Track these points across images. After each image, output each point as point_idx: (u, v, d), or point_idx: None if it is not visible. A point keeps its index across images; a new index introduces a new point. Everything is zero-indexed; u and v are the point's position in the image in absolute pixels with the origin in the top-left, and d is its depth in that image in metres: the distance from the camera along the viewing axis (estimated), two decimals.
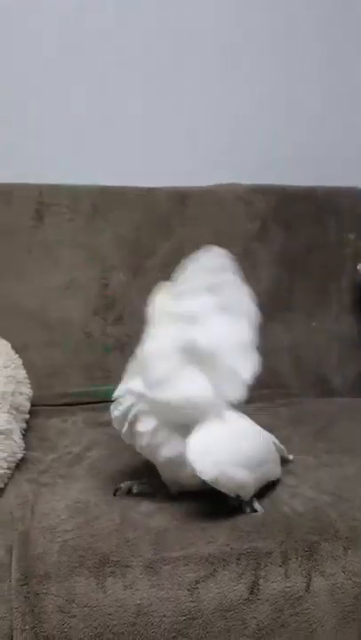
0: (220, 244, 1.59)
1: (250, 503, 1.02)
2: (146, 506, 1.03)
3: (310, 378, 1.56)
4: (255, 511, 1.01)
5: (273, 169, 1.67)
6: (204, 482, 0.96)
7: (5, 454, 1.14)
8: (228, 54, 1.73)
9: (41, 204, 1.54)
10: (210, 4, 1.70)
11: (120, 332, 1.53)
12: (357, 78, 1.79)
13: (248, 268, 1.60)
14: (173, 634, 0.89)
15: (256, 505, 1.03)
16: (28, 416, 1.33)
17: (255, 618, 0.91)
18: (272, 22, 1.74)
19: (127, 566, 0.91)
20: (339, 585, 0.94)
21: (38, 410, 1.41)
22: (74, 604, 0.88)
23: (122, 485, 1.08)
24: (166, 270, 1.57)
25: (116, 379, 1.52)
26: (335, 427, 1.36)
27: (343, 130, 1.78)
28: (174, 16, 1.68)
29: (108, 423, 1.36)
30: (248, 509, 1.02)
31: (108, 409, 1.43)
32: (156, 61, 1.70)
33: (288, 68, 1.76)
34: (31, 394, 1.36)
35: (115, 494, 1.07)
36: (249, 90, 1.75)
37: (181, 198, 1.60)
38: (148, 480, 1.08)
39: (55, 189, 1.56)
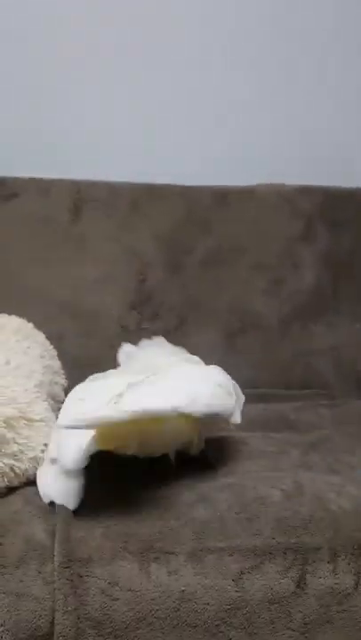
0: (261, 244, 1.63)
1: None
2: (187, 495, 1.01)
3: (353, 380, 1.54)
4: None
5: (317, 170, 1.66)
6: None
7: (46, 441, 1.13)
8: (275, 47, 1.72)
9: (78, 199, 1.55)
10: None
11: (157, 328, 1.51)
12: None
13: (290, 267, 1.64)
14: (217, 622, 0.87)
15: None
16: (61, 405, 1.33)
17: (301, 612, 0.89)
18: (327, 20, 1.73)
19: (171, 553, 0.89)
20: None
21: None
22: (117, 588, 0.86)
23: None
24: (205, 268, 1.61)
25: None
26: None
27: None
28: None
29: None
30: None
31: None
32: (202, 58, 1.70)
33: (336, 63, 1.74)
34: (66, 384, 1.36)
35: None
36: (294, 89, 1.74)
37: (222, 197, 1.59)
38: None
39: (93, 185, 1.56)
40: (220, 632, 0.88)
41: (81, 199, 1.54)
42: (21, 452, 1.00)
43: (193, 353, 1.56)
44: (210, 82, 1.71)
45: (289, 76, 1.74)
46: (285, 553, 0.91)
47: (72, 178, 1.56)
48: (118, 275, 1.53)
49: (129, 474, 1.08)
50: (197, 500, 0.99)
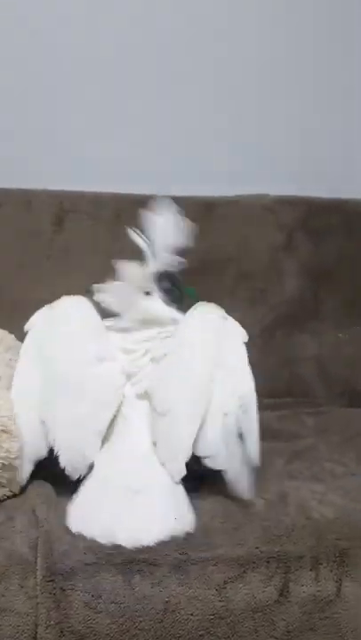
0: (246, 254, 1.64)
1: None
2: None
3: (337, 388, 1.55)
4: None
5: (300, 181, 1.67)
6: None
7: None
8: (260, 61, 1.73)
9: (61, 210, 1.55)
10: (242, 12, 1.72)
11: None
12: None
13: (274, 277, 1.65)
14: (201, 632, 0.88)
15: None
16: None
17: (284, 620, 0.90)
18: (302, 31, 1.74)
19: (155, 565, 0.90)
20: None
21: None
22: (100, 600, 0.86)
23: None
24: (189, 278, 1.61)
25: None
26: None
27: None
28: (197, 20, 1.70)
29: None
30: None
31: None
32: (183, 71, 1.70)
33: (322, 77, 1.76)
34: None
35: None
36: (277, 102, 1.75)
37: (207, 207, 1.60)
38: None
39: (76, 196, 1.56)
40: None
41: (64, 210, 1.54)
42: (4, 465, 1.00)
43: None
44: (195, 94, 1.72)
45: (273, 90, 1.75)
46: (268, 562, 0.92)
47: (55, 189, 1.56)
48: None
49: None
50: None
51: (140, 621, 0.87)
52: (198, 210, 1.58)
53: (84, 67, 1.65)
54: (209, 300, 1.60)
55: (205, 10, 1.69)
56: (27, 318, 1.46)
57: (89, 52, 1.65)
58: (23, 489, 1.06)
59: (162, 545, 0.92)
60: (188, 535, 0.94)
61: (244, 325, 1.61)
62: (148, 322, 1.17)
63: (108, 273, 1.56)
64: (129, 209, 1.58)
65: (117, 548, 0.90)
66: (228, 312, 1.59)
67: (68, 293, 1.52)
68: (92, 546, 0.91)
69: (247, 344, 1.51)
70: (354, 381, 1.57)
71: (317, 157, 1.75)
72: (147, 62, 1.68)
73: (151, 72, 1.68)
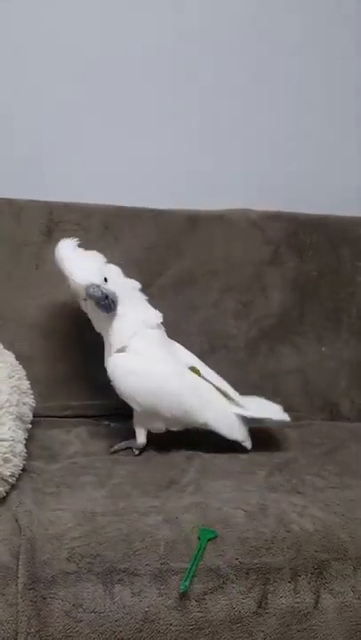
0: (231, 267, 1.66)
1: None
2: (153, 517, 1.02)
3: (319, 401, 1.57)
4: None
5: (285, 197, 1.70)
6: None
7: (10, 462, 1.13)
8: (244, 79, 1.75)
9: (51, 221, 1.56)
10: (226, 27, 1.74)
11: None
12: None
13: (258, 290, 1.67)
14: None
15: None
16: (30, 426, 1.33)
17: (262, 631, 0.91)
18: (284, 50, 1.77)
19: (135, 574, 0.90)
20: (348, 603, 0.94)
21: (40, 420, 1.41)
22: (80, 609, 0.87)
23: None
24: (174, 290, 1.63)
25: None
26: (344, 450, 1.36)
27: (358, 161, 1.83)
28: (187, 38, 1.71)
29: (111, 436, 1.38)
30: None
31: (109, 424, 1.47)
32: (172, 84, 1.72)
33: (302, 96, 1.79)
34: (34, 404, 1.36)
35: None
36: (264, 116, 1.77)
37: (193, 221, 1.62)
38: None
39: (66, 207, 1.57)
40: None
41: (53, 220, 1.55)
42: None
43: None
44: (182, 110, 1.74)
45: (258, 107, 1.77)
46: (248, 573, 0.93)
47: (45, 199, 1.57)
48: None
49: (95, 497, 1.09)
50: (163, 522, 1.00)
51: (120, 631, 0.87)
52: (184, 224, 1.62)
53: (74, 78, 1.66)
54: (194, 313, 1.62)
55: (189, 32, 1.72)
56: (14, 327, 1.48)
57: (79, 65, 1.66)
58: (4, 497, 1.07)
59: (142, 555, 0.93)
60: (169, 545, 0.95)
61: (228, 338, 1.64)
62: None
63: None
64: (117, 220, 1.61)
65: (98, 556, 0.91)
66: (213, 324, 1.63)
67: (56, 304, 1.54)
68: (73, 555, 0.92)
69: (231, 357, 1.56)
70: (335, 395, 1.59)
71: (302, 174, 1.78)
72: (138, 78, 1.70)
73: (141, 88, 1.70)
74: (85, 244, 1.57)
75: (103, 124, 1.69)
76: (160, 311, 1.59)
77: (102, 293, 1.27)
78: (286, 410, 1.39)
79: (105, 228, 1.58)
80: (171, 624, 0.88)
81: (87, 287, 1.28)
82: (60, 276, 1.55)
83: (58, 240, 1.56)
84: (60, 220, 1.55)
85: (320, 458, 1.30)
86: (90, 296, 1.28)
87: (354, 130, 1.82)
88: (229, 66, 1.74)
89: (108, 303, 1.28)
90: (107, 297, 1.28)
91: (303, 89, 1.79)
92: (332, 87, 1.81)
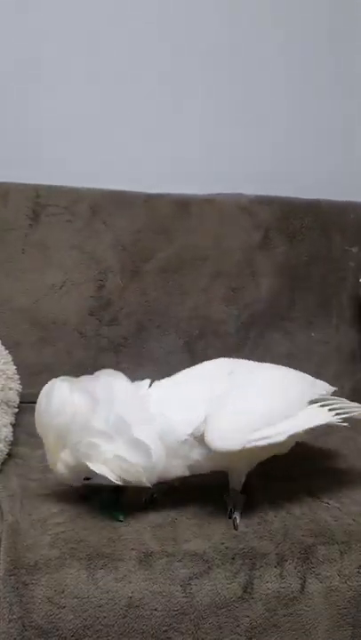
0: (221, 253, 1.64)
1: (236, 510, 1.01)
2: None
3: None
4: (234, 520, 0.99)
5: (277, 181, 1.68)
6: None
7: None
8: (234, 65, 1.74)
9: (37, 205, 1.53)
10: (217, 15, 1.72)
11: (114, 334, 1.51)
12: None
13: (248, 276, 1.65)
14: (165, 627, 0.87)
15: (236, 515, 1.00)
16: (17, 411, 1.31)
17: (248, 616, 0.90)
18: (279, 37, 1.75)
19: (120, 559, 0.89)
20: (334, 588, 0.93)
21: (27, 407, 1.39)
22: (63, 595, 0.86)
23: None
24: (165, 275, 1.61)
25: None
26: (333, 435, 1.34)
27: (350, 145, 1.80)
28: (177, 24, 1.69)
29: None
30: (234, 516, 0.99)
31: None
32: (161, 68, 1.69)
33: (294, 81, 1.77)
34: (21, 389, 1.35)
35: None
36: (255, 101, 1.76)
37: (183, 205, 1.59)
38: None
39: (53, 190, 1.55)
40: (168, 638, 0.88)
41: (40, 204, 1.52)
42: None
43: (151, 358, 1.58)
44: (171, 94, 1.71)
45: (246, 91, 1.75)
46: (234, 558, 0.92)
47: (31, 182, 1.54)
48: (77, 281, 1.52)
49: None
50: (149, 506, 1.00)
51: (104, 617, 0.86)
52: (174, 208, 1.59)
53: (60, 62, 1.64)
54: (184, 298, 1.61)
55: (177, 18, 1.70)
56: (1, 312, 1.46)
57: (65, 48, 1.64)
58: None
59: (128, 540, 0.92)
60: (155, 530, 0.94)
61: (218, 323, 1.63)
62: None
63: (83, 268, 1.57)
64: (105, 204, 1.59)
65: (82, 542, 0.90)
66: (203, 310, 1.61)
67: (42, 289, 1.52)
68: (57, 540, 0.91)
69: (221, 342, 1.53)
70: (325, 380, 1.57)
71: (292, 158, 1.76)
72: (125, 62, 1.67)
73: (129, 72, 1.68)
74: (74, 229, 1.57)
75: (91, 108, 1.66)
76: (150, 296, 1.58)
77: None
78: None
79: (93, 212, 1.55)
80: (155, 609, 0.87)
81: None
82: (46, 261, 1.55)
83: (45, 224, 1.56)
84: (46, 203, 1.52)
85: (309, 443, 1.28)
86: None
87: (344, 114, 1.80)
88: (220, 50, 1.71)
89: None
90: None
91: (292, 74, 1.77)
92: (321, 72, 1.78)
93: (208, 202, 1.61)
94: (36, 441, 1.26)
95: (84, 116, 1.66)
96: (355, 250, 1.64)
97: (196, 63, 1.71)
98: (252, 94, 1.76)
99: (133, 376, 1.54)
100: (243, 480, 1.04)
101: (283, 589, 0.91)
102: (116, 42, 1.66)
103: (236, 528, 0.97)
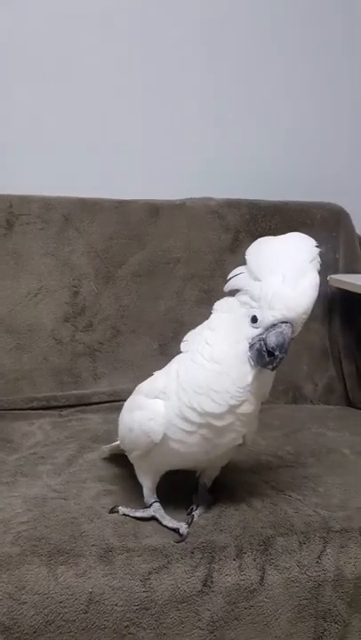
0: (192, 255, 1.66)
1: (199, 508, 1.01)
2: (104, 500, 1.03)
3: (281, 385, 1.57)
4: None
5: (245, 184, 1.69)
6: None
7: None
8: (205, 71, 1.75)
9: (11, 214, 1.55)
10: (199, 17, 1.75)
11: (90, 339, 1.53)
12: (331, 96, 1.82)
13: (220, 277, 1.66)
14: (126, 623, 0.89)
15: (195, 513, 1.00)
16: None
17: (209, 610, 0.91)
18: (248, 42, 1.77)
19: (80, 555, 0.91)
20: (293, 579, 0.94)
21: (4, 414, 1.42)
22: (24, 592, 0.87)
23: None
24: (138, 280, 1.63)
25: (85, 384, 1.55)
26: (304, 431, 1.37)
27: (317, 147, 1.82)
28: (158, 32, 1.71)
29: (75, 427, 1.38)
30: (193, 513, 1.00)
31: (74, 414, 1.46)
32: (132, 75, 1.71)
33: (259, 84, 1.78)
34: None
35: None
36: (220, 106, 1.77)
37: (153, 211, 1.62)
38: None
39: (26, 200, 1.57)
40: (130, 633, 0.89)
41: (13, 214, 1.55)
42: None
43: (127, 362, 1.59)
44: (142, 100, 1.73)
45: (215, 94, 1.77)
46: (193, 552, 0.93)
47: (4, 193, 1.56)
48: (52, 288, 1.54)
49: (50, 484, 1.10)
50: (114, 503, 1.01)
51: (65, 612, 0.87)
52: (144, 214, 1.61)
53: (29, 74, 1.66)
54: (157, 302, 1.63)
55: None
56: None
57: (35, 58, 1.65)
58: None
59: (89, 536, 0.93)
60: (117, 526, 0.96)
61: (192, 325, 1.64)
62: None
63: (57, 275, 1.58)
64: (77, 212, 1.60)
65: (43, 539, 0.92)
66: (177, 313, 1.63)
67: (18, 296, 1.54)
68: (18, 538, 0.92)
69: None
70: (297, 378, 1.59)
71: (261, 161, 1.77)
72: (93, 69, 1.69)
73: (97, 78, 1.69)
74: (47, 237, 1.58)
75: (60, 117, 1.68)
76: (124, 301, 1.59)
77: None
78: None
79: (66, 220, 1.58)
80: (116, 604, 0.88)
81: None
82: (21, 269, 1.56)
83: (18, 233, 1.58)
84: (20, 212, 1.55)
85: (279, 439, 1.31)
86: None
87: (312, 116, 1.82)
88: (186, 54, 1.73)
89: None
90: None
91: (258, 77, 1.78)
92: (290, 74, 1.80)
93: (178, 206, 1.64)
94: (10, 446, 1.30)
95: (55, 125, 1.67)
96: (322, 249, 1.65)
97: (164, 69, 1.73)
98: (219, 97, 1.77)
99: (110, 380, 1.59)
100: (215, 475, 1.05)
101: (242, 582, 0.92)
102: (87, 50, 1.68)
103: (188, 526, 0.96)
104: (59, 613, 0.87)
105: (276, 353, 0.90)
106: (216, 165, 1.75)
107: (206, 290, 1.60)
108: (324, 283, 1.63)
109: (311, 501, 1.04)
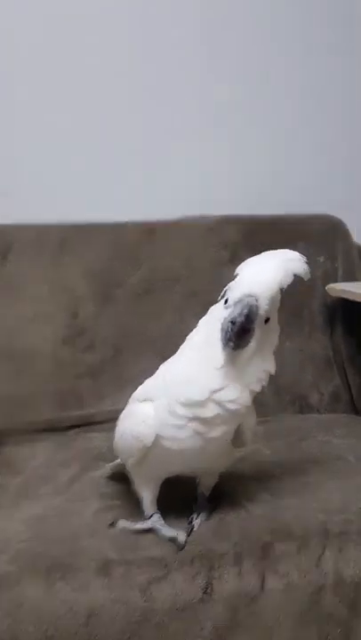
0: (192, 273, 1.67)
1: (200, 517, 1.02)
2: (109, 514, 1.03)
3: (286, 396, 1.57)
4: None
5: (241, 200, 1.71)
6: None
7: None
8: (194, 86, 1.77)
9: (6, 242, 1.58)
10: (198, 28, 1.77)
11: (92, 359, 1.54)
12: (326, 107, 1.84)
13: (220, 291, 1.67)
14: (127, 634, 0.88)
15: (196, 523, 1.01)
16: None
17: (210, 618, 0.90)
18: (248, 42, 1.79)
19: (78, 570, 0.91)
20: (293, 584, 0.93)
21: (7, 440, 1.42)
22: (22, 609, 0.87)
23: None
24: (137, 299, 1.64)
25: (88, 404, 1.56)
26: (310, 440, 1.36)
27: (313, 158, 1.84)
28: (154, 40, 1.73)
29: (78, 447, 1.39)
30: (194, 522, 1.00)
31: (78, 433, 1.47)
32: (124, 95, 1.74)
33: (252, 98, 1.80)
34: None
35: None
36: (216, 122, 1.78)
37: (150, 231, 1.64)
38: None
39: (20, 228, 1.60)
40: None
41: (8, 242, 1.58)
42: None
43: (130, 380, 1.58)
44: (133, 119, 1.75)
45: (210, 111, 1.78)
46: (192, 561, 0.93)
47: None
48: (50, 312, 1.56)
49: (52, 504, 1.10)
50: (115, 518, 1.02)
51: (65, 626, 0.87)
52: (140, 235, 1.64)
53: (20, 101, 1.69)
54: (158, 319, 1.63)
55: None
56: None
57: (31, 80, 1.68)
58: None
59: (88, 550, 0.93)
60: (115, 539, 0.96)
61: None
62: None
63: (55, 299, 1.60)
64: (73, 237, 1.63)
65: (42, 554, 0.92)
66: (178, 329, 1.63)
67: (14, 322, 1.56)
68: (17, 556, 0.92)
69: None
70: (302, 389, 1.58)
71: (257, 176, 1.79)
72: (88, 93, 1.72)
73: (94, 100, 1.72)
74: (43, 263, 1.60)
75: (55, 139, 1.70)
76: (124, 320, 1.59)
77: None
78: (256, 406, 1.39)
79: (61, 245, 1.60)
80: (116, 616, 0.88)
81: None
82: (15, 296, 1.57)
83: (14, 261, 1.59)
84: (15, 240, 1.58)
85: (283, 448, 1.30)
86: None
87: (306, 129, 1.83)
88: (175, 73, 1.76)
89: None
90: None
91: (250, 89, 1.80)
92: (280, 87, 1.82)
93: (174, 225, 1.66)
94: (13, 470, 1.29)
95: (49, 150, 1.70)
96: (321, 259, 1.68)
97: (159, 88, 1.75)
98: (212, 115, 1.79)
99: (113, 399, 1.59)
100: (213, 484, 1.06)
101: (243, 588, 0.91)
102: (71, 74, 1.70)
103: (188, 535, 0.97)
104: (58, 628, 0.87)
105: (237, 321, 0.91)
106: (212, 182, 1.77)
107: (207, 304, 1.60)
108: (324, 292, 1.67)
109: (311, 507, 1.04)
